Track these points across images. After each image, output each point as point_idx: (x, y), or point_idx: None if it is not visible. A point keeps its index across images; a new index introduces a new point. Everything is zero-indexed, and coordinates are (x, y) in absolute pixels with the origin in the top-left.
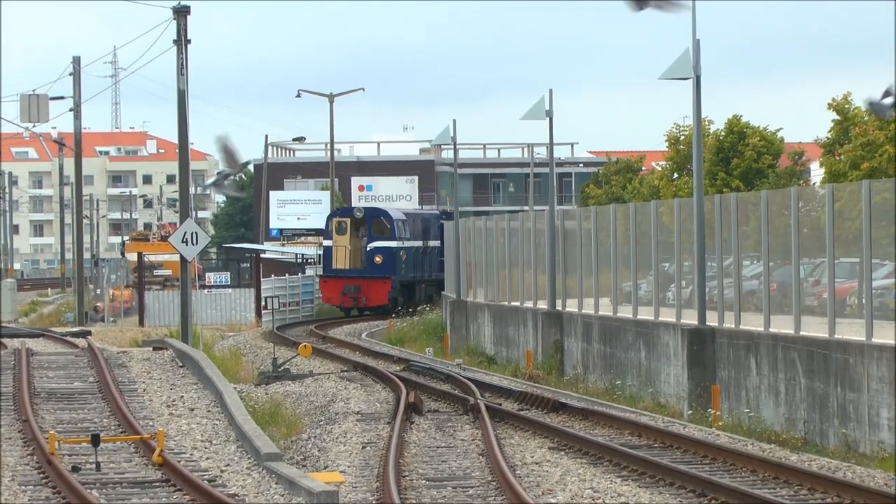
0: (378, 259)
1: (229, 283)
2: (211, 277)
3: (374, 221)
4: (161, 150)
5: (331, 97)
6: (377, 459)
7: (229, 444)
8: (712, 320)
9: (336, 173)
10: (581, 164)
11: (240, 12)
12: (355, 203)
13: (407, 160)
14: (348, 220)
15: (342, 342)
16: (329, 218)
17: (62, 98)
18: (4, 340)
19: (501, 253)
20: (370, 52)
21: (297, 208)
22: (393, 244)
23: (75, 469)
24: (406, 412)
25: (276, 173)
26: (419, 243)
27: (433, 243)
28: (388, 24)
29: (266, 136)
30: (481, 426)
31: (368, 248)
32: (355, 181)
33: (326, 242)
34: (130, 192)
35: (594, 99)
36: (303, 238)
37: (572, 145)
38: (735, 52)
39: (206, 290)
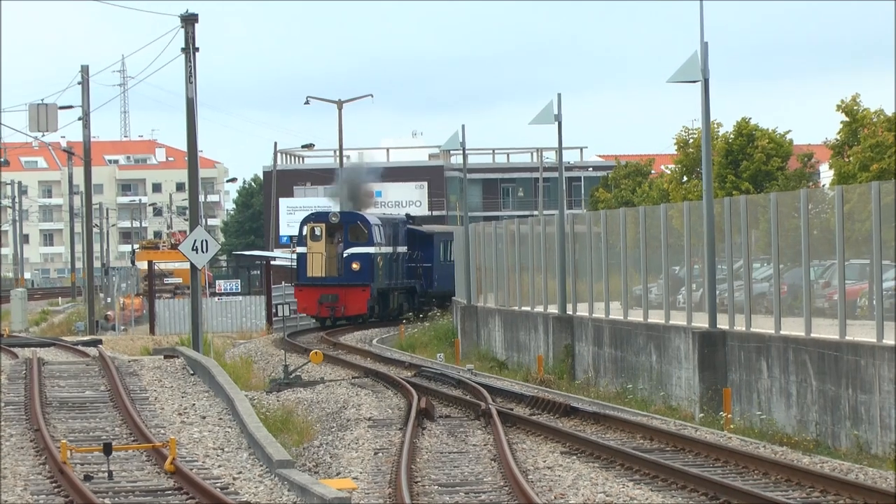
0: (355, 266)
1: (239, 290)
2: (221, 285)
3: (351, 226)
4: (170, 159)
5: (339, 104)
6: (389, 465)
7: (241, 452)
8: (723, 323)
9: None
10: (590, 168)
11: (248, 20)
12: (365, 209)
13: (416, 166)
14: (323, 226)
15: (353, 349)
16: (303, 223)
17: (71, 107)
18: (15, 350)
19: (511, 258)
20: (378, 58)
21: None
22: (371, 250)
23: (88, 478)
24: (418, 418)
25: (285, 180)
26: (390, 249)
27: (401, 249)
28: (395, 31)
29: (275, 144)
30: (493, 431)
31: (345, 255)
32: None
33: (300, 249)
34: (140, 200)
35: (603, 103)
36: None
37: (581, 149)
38: (743, 54)
39: (216, 298)
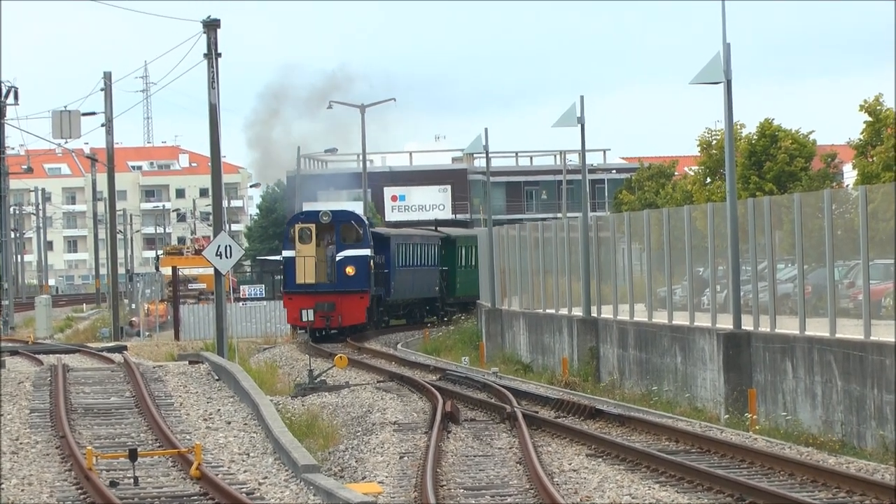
0: (350, 270)
1: (264, 295)
2: (245, 290)
3: (343, 226)
4: (193, 164)
5: (362, 108)
6: (415, 469)
7: (267, 457)
8: (748, 324)
9: (369, 184)
10: (614, 171)
11: (270, 24)
12: (388, 214)
13: (439, 169)
14: (312, 227)
15: (378, 353)
16: (289, 224)
17: (94, 114)
18: (40, 356)
19: (535, 261)
20: (401, 61)
21: None
22: (367, 252)
23: (113, 484)
24: (443, 421)
25: (308, 185)
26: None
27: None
28: (418, 33)
29: (298, 148)
30: (518, 434)
31: (338, 258)
32: (388, 191)
33: (287, 253)
34: (164, 206)
35: (626, 104)
36: None
37: (604, 151)
38: (766, 54)
39: (240, 303)
